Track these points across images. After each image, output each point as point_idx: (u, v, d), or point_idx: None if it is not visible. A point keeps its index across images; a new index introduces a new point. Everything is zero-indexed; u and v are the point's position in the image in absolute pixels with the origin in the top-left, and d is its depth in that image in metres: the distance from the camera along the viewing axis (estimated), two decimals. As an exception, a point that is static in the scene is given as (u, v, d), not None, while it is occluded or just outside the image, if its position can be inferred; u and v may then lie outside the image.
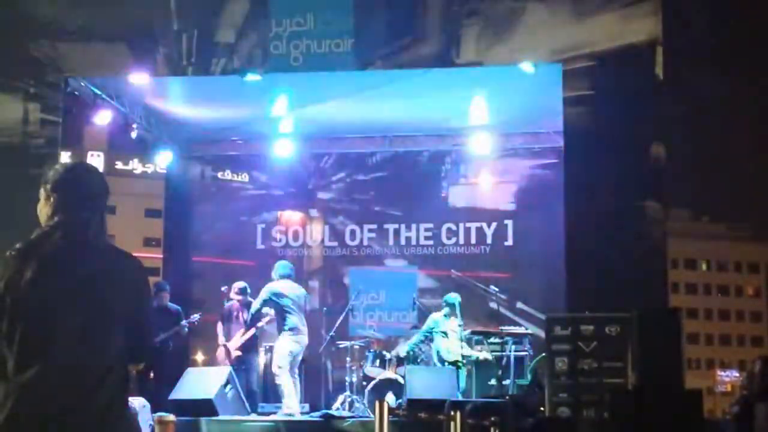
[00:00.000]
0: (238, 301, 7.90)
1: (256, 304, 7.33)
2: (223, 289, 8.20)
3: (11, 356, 1.97)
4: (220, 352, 7.86)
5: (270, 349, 8.06)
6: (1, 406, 1.95)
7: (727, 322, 49.89)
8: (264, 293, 7.25)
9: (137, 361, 2.14)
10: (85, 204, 2.08)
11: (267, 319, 7.64)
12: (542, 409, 6.25)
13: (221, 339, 7.85)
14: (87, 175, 2.15)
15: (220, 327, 7.92)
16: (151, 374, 7.33)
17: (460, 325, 7.70)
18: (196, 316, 8.04)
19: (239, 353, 7.74)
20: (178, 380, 7.10)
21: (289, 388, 7.07)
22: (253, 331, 7.75)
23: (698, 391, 6.45)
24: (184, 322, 7.82)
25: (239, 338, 7.78)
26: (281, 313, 7.23)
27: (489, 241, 9.37)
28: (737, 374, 42.60)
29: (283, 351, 7.16)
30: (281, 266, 7.46)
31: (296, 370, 7.30)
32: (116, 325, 2.01)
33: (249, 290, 7.91)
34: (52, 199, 2.08)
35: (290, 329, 7.19)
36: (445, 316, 7.87)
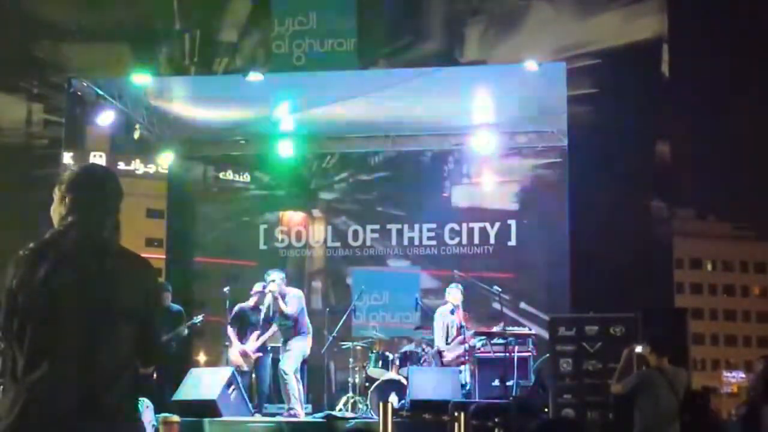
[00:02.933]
0: (255, 300, 7.78)
1: (296, 309, 7.24)
2: (225, 290, 8.16)
3: (21, 356, 1.96)
4: (235, 355, 7.68)
5: (275, 350, 8.01)
6: (12, 406, 1.94)
7: (732, 322, 49.68)
8: (300, 300, 7.28)
9: (148, 363, 2.14)
10: (100, 205, 2.09)
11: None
12: (546, 410, 6.21)
13: (236, 342, 7.63)
14: (102, 177, 2.16)
15: (230, 330, 7.75)
16: (155, 375, 7.28)
17: (462, 325, 7.66)
18: (199, 317, 7.99)
19: (260, 354, 7.62)
20: (181, 381, 7.08)
21: (299, 390, 7.09)
22: (272, 330, 7.62)
23: (704, 391, 6.41)
24: (187, 323, 7.77)
25: (255, 340, 7.64)
26: (306, 316, 7.29)
27: (492, 241, 9.32)
28: (743, 375, 42.45)
29: (303, 353, 7.20)
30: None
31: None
32: (127, 327, 2.01)
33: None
34: (66, 199, 2.09)
35: (308, 332, 7.26)
36: (451, 312, 7.81)
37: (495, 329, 7.62)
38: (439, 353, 7.66)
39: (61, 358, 1.95)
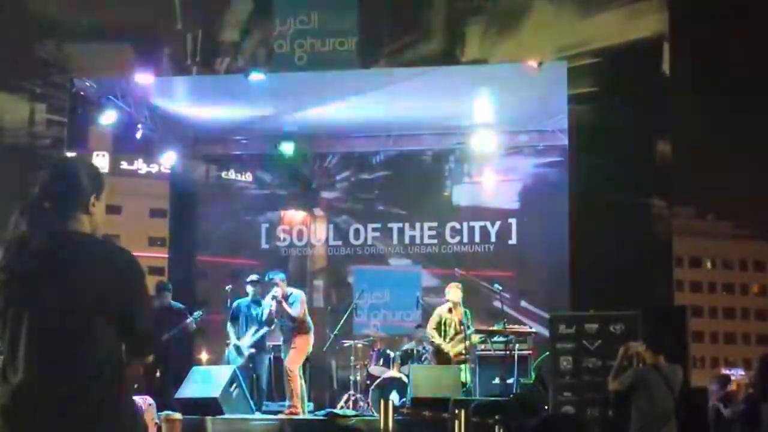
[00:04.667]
0: (252, 292, 7.80)
1: (300, 310, 7.32)
2: (227, 288, 8.19)
3: (5, 358, 1.97)
4: (230, 351, 7.77)
5: (276, 348, 8.06)
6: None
7: (732, 320, 49.73)
8: (303, 301, 7.37)
9: (138, 354, 2.10)
10: (62, 198, 2.06)
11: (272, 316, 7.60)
12: (546, 407, 6.24)
13: (233, 338, 7.77)
14: (65, 169, 2.14)
15: (229, 326, 7.83)
16: (158, 373, 7.32)
17: (462, 323, 7.69)
18: (198, 313, 8.01)
19: (253, 350, 7.68)
20: (183, 379, 7.12)
21: (302, 387, 7.15)
22: (266, 329, 7.68)
23: (704, 389, 6.45)
24: (189, 319, 7.78)
25: (250, 336, 7.71)
26: (308, 315, 7.38)
27: (493, 239, 9.35)
28: (742, 372, 42.48)
29: (307, 350, 7.28)
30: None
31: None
32: (104, 319, 1.97)
33: (261, 282, 7.85)
34: (40, 194, 2.08)
35: (311, 329, 7.33)
36: (449, 310, 7.84)
37: (494, 327, 7.65)
38: (436, 351, 7.70)
39: (36, 359, 1.93)
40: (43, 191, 2.07)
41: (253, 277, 7.84)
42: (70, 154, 7.58)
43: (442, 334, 7.72)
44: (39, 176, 2.09)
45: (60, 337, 1.96)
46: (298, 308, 7.23)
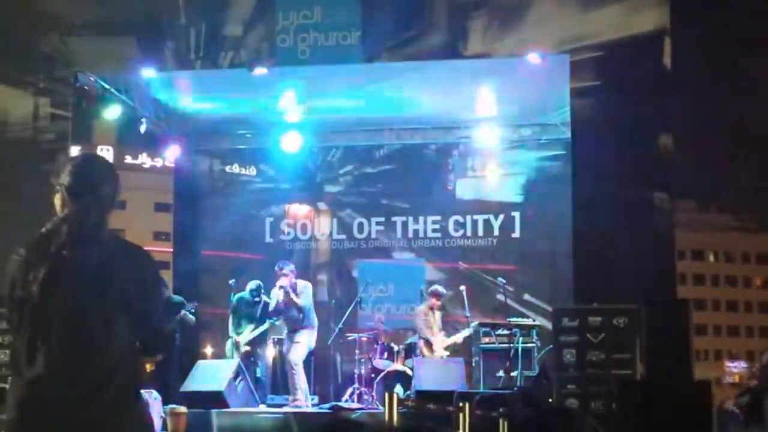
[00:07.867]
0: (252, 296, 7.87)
1: (307, 300, 7.36)
2: (231, 282, 8.24)
3: (22, 351, 1.99)
4: (228, 345, 7.88)
5: (280, 342, 8.11)
6: (13, 401, 1.98)
7: (735, 313, 49.71)
8: (310, 292, 7.45)
9: (151, 352, 2.14)
10: (85, 194, 2.07)
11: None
12: (550, 400, 6.28)
13: (231, 332, 7.86)
14: (87, 166, 2.14)
15: (230, 320, 7.92)
16: (148, 367, 7.28)
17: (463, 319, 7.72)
18: (194, 304, 8.05)
19: (248, 348, 7.75)
20: (188, 373, 7.17)
21: (305, 381, 7.20)
22: (266, 326, 7.76)
23: (707, 382, 6.48)
24: (183, 311, 7.83)
25: (249, 333, 7.78)
26: (312, 309, 7.41)
27: (496, 233, 9.37)
28: (745, 365, 42.53)
29: (311, 345, 7.32)
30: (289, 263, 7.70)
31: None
32: (123, 317, 2.00)
33: (262, 290, 7.91)
34: (60, 191, 2.10)
35: (315, 324, 7.38)
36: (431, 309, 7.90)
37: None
38: (429, 344, 7.74)
39: (56, 353, 1.95)
40: (68, 188, 2.09)
41: (253, 285, 7.84)
42: (75, 149, 7.61)
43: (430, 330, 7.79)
44: (61, 171, 2.10)
45: (81, 334, 1.98)
46: (303, 297, 7.29)
